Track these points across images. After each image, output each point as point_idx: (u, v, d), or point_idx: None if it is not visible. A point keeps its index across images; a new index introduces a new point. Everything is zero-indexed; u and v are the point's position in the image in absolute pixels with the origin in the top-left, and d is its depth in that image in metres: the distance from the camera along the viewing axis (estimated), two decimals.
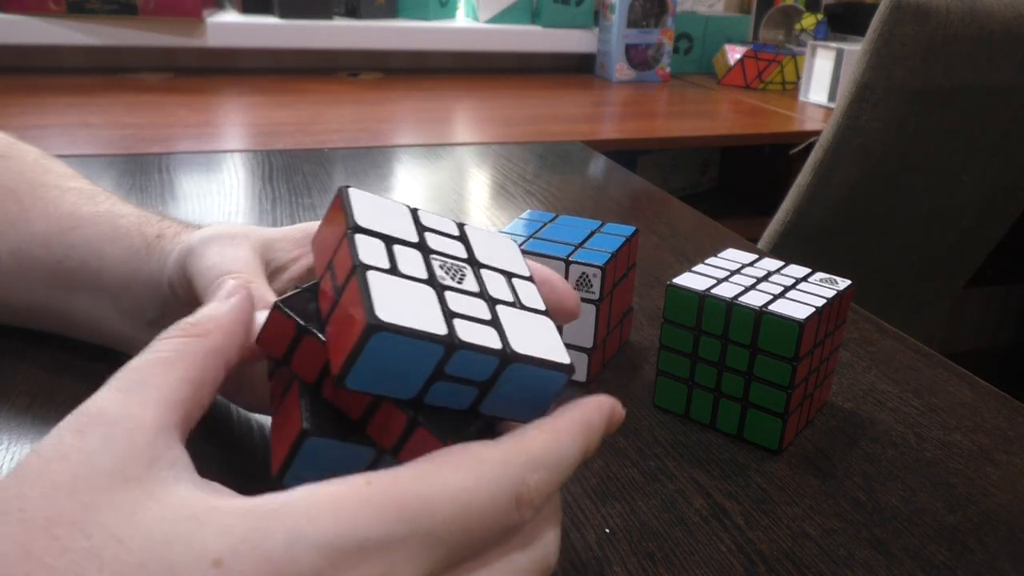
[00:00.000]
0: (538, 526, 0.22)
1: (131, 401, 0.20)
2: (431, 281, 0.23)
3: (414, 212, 0.26)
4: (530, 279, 0.27)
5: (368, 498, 0.18)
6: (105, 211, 0.39)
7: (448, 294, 0.23)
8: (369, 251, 0.22)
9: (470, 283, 0.24)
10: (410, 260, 0.23)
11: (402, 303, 0.21)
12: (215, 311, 0.24)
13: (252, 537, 0.17)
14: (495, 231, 0.28)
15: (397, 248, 0.23)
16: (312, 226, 0.34)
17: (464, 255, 0.25)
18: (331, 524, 0.18)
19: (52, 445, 0.19)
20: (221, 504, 0.18)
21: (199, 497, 0.18)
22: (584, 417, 0.23)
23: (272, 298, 0.29)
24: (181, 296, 0.33)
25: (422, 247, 0.24)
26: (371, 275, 0.21)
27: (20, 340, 0.42)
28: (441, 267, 0.24)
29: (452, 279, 0.24)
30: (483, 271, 0.25)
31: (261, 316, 0.25)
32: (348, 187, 0.25)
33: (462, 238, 0.26)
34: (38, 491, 0.18)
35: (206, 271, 0.31)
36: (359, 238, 0.23)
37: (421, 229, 0.25)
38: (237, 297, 0.25)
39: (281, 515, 0.18)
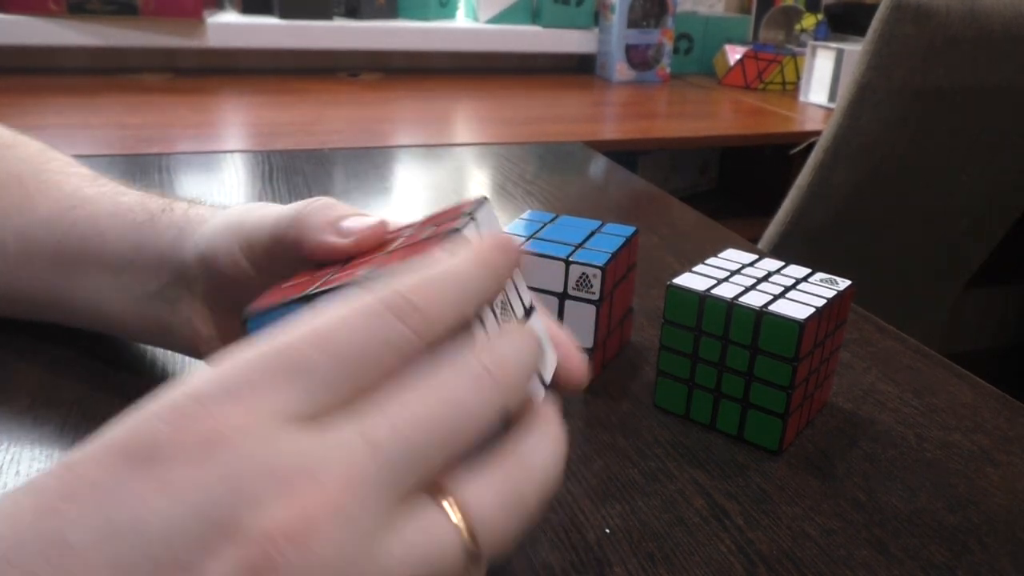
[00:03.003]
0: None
1: None
2: None
3: None
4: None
5: (223, 360, 0.18)
6: (108, 191, 0.39)
7: None
8: None
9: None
10: None
11: None
12: None
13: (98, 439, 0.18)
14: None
15: None
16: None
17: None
18: (188, 385, 0.18)
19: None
20: None
21: None
22: (472, 245, 0.22)
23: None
24: (228, 267, 0.32)
25: None
26: None
27: (21, 340, 0.42)
28: None
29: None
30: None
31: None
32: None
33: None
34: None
35: (293, 210, 0.30)
36: None
37: None
38: None
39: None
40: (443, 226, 0.24)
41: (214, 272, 0.33)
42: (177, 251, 0.35)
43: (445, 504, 0.19)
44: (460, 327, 0.21)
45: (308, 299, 0.23)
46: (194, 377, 0.18)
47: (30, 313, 0.41)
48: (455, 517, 0.19)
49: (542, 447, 0.21)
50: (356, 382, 0.19)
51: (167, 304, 0.36)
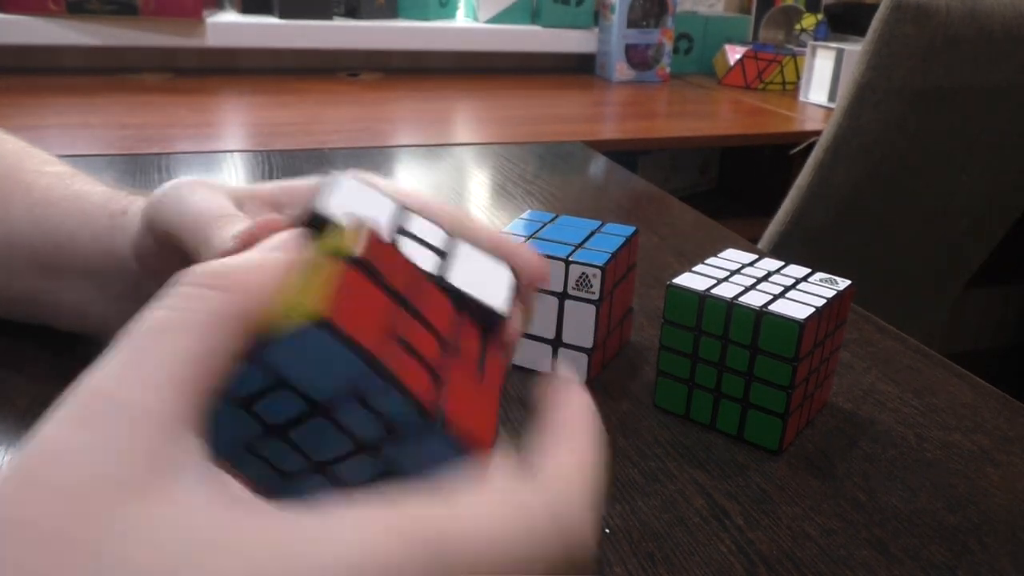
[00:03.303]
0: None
1: (134, 381, 0.17)
2: None
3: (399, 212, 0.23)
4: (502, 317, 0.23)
5: (394, 525, 0.17)
6: (75, 192, 0.39)
7: None
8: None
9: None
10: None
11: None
12: (247, 262, 0.19)
13: (274, 567, 0.16)
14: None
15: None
16: (283, 184, 0.32)
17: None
18: (356, 550, 0.16)
19: (51, 438, 0.16)
20: (242, 526, 0.16)
21: (215, 512, 0.16)
22: (582, 415, 0.21)
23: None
24: (150, 259, 0.32)
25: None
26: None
27: (19, 341, 0.42)
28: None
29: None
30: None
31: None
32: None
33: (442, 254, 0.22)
34: (36, 501, 0.15)
35: (196, 213, 0.28)
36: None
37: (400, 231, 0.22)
38: (281, 253, 0.20)
39: (305, 541, 0.16)
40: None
41: (149, 263, 0.33)
42: (130, 256, 0.35)
43: None
44: None
45: (377, 367, 0.18)
46: (344, 535, 0.16)
47: (17, 315, 0.41)
48: None
49: None
50: None
51: (138, 303, 0.36)
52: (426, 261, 0.22)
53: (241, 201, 0.31)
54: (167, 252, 0.31)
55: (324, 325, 0.17)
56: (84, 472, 0.16)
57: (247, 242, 0.24)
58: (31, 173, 0.40)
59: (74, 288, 0.37)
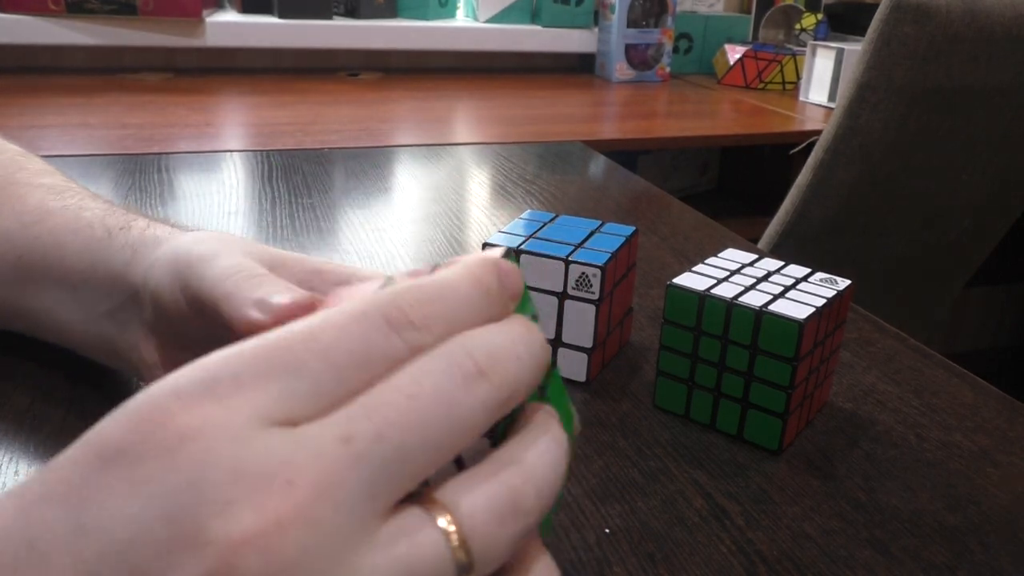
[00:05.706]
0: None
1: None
2: None
3: None
4: None
5: (214, 354, 0.18)
6: (72, 204, 0.38)
7: None
8: None
9: None
10: None
11: None
12: None
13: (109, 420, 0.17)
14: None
15: None
16: (317, 262, 0.32)
17: None
18: (170, 380, 0.17)
19: None
20: None
21: None
22: (465, 262, 0.21)
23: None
24: (171, 307, 0.32)
25: None
26: None
27: (20, 340, 0.41)
28: None
29: None
30: None
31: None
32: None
33: None
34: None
35: (223, 275, 0.29)
36: None
37: None
38: None
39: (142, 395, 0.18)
40: None
41: (158, 305, 0.33)
42: (129, 274, 0.34)
43: (436, 515, 0.18)
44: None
45: None
46: (180, 371, 0.17)
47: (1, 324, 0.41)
48: (446, 528, 0.18)
49: (540, 449, 0.20)
50: (342, 388, 0.18)
51: (117, 326, 0.35)
52: None
53: (274, 266, 0.31)
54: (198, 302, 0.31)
55: None
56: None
57: (278, 319, 0.26)
58: (23, 186, 0.40)
59: (50, 299, 0.37)
